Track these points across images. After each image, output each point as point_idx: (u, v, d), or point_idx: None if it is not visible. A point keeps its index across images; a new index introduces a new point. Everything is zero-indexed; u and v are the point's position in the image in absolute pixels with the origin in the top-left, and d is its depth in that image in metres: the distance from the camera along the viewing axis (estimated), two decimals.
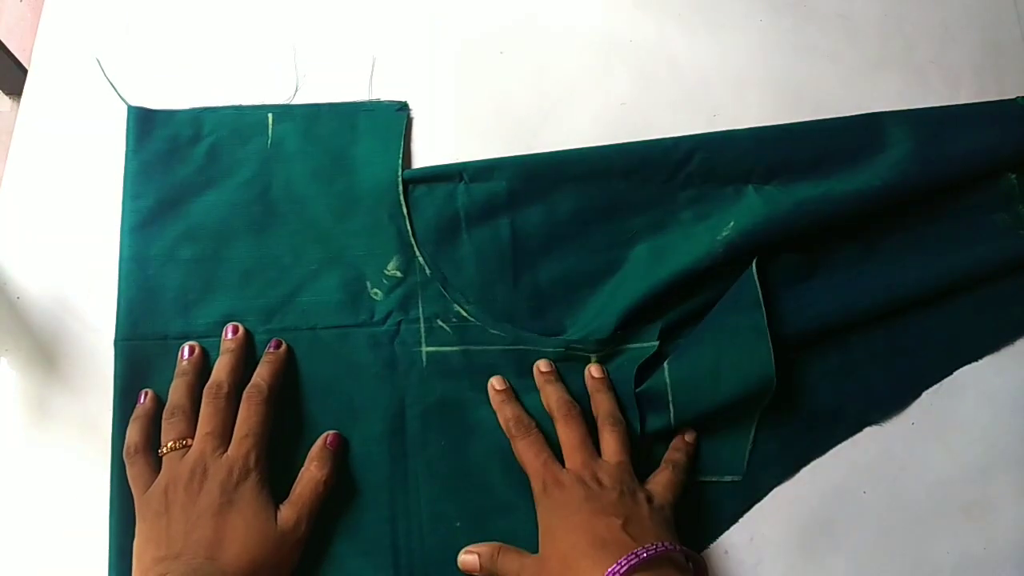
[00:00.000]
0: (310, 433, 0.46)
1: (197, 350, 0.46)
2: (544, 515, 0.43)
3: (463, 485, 0.46)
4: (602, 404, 0.47)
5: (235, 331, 0.47)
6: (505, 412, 0.46)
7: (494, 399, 0.47)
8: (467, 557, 0.44)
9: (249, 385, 0.45)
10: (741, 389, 0.46)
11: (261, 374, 0.45)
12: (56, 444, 0.46)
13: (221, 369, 0.45)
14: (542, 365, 0.48)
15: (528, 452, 0.45)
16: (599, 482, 0.43)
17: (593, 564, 0.39)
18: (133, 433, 0.44)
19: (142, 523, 0.41)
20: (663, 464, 0.46)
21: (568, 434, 0.45)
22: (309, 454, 0.45)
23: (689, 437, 0.47)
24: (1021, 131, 0.55)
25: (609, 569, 0.38)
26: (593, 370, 0.48)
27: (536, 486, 0.44)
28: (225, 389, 0.44)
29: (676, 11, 0.58)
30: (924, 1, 0.60)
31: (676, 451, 0.47)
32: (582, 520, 0.41)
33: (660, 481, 0.45)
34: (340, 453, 0.46)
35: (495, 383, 0.47)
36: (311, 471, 0.44)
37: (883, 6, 0.59)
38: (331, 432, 0.46)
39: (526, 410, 0.47)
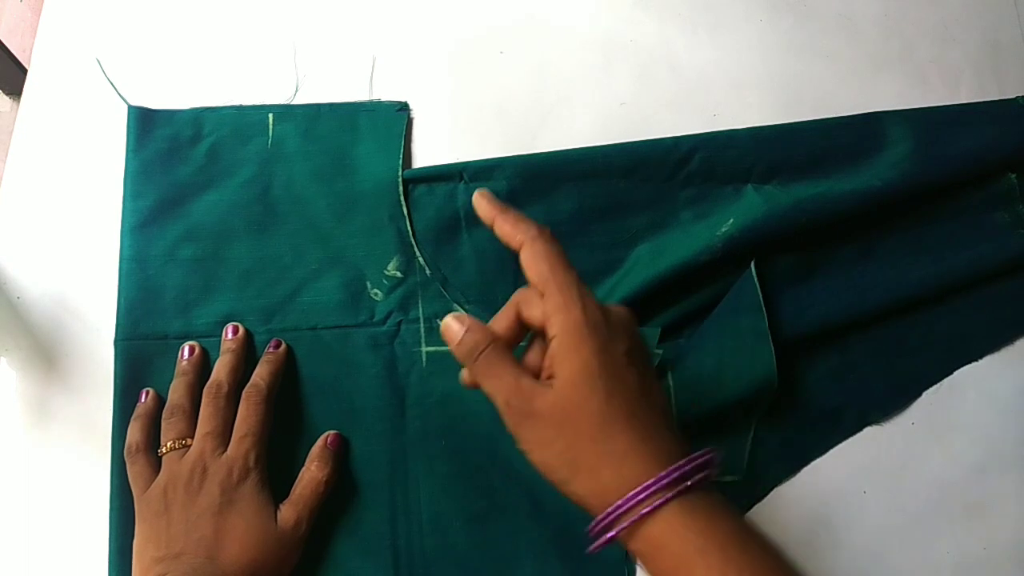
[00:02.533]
0: (310, 433, 0.46)
1: (197, 350, 0.46)
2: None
3: (463, 485, 0.46)
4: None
5: (235, 331, 0.47)
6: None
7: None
8: (452, 324, 0.35)
9: (248, 385, 0.45)
10: (743, 391, 0.46)
11: (260, 373, 0.45)
12: (56, 444, 0.46)
13: (221, 369, 0.45)
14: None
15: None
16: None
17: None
18: (134, 432, 0.44)
19: (142, 523, 0.41)
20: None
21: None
22: (310, 454, 0.45)
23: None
24: (1021, 131, 0.55)
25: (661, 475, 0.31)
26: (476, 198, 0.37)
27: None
28: (225, 389, 0.44)
29: (676, 11, 0.58)
30: (924, 1, 0.60)
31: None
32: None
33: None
34: (341, 453, 0.46)
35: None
36: (312, 471, 0.44)
37: (883, 6, 0.59)
38: (332, 432, 0.46)
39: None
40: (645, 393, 0.32)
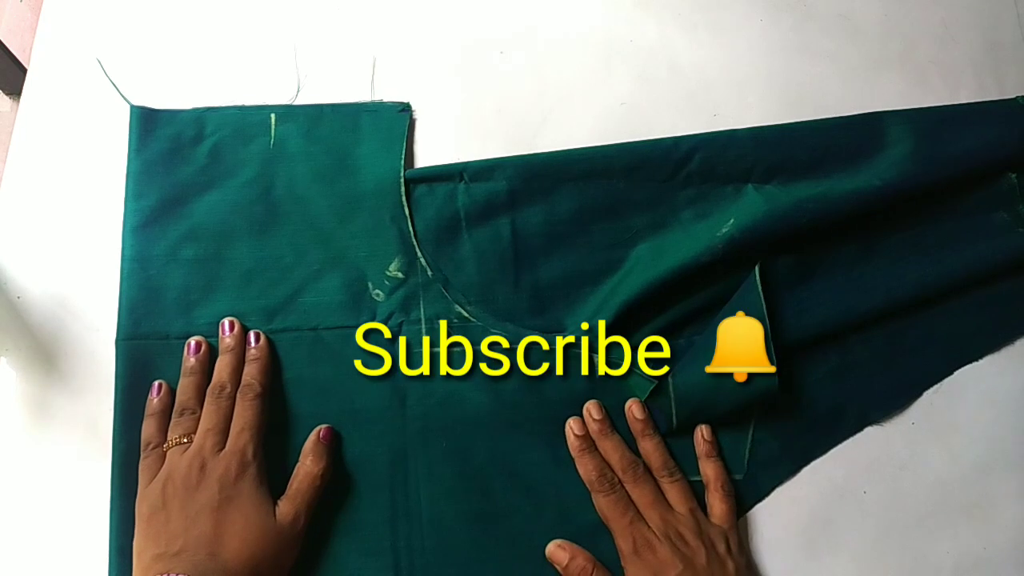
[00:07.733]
0: (310, 433, 0.46)
1: (204, 347, 0.46)
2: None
3: (463, 486, 0.46)
4: (653, 455, 0.47)
5: (232, 327, 0.47)
6: (586, 465, 0.46)
7: (573, 445, 0.47)
8: (558, 552, 0.45)
9: (241, 385, 0.45)
10: (743, 399, 0.46)
11: (251, 373, 0.45)
12: (56, 444, 0.46)
13: (223, 370, 0.45)
14: (593, 411, 0.47)
15: (614, 510, 0.45)
16: (684, 539, 0.44)
17: None
18: (149, 428, 0.44)
19: (140, 519, 0.42)
20: (709, 486, 0.47)
21: (640, 493, 0.46)
22: (304, 448, 0.45)
23: (707, 434, 0.47)
24: (1021, 131, 0.55)
25: None
26: (635, 410, 0.48)
27: (624, 546, 0.45)
28: (228, 390, 0.45)
29: (676, 11, 0.58)
30: (924, 1, 0.60)
31: (711, 463, 0.47)
32: None
33: (719, 514, 0.46)
34: (334, 446, 0.46)
35: (575, 427, 0.47)
36: (307, 465, 0.44)
37: (883, 6, 0.59)
38: (323, 426, 0.46)
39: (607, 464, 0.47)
40: None
